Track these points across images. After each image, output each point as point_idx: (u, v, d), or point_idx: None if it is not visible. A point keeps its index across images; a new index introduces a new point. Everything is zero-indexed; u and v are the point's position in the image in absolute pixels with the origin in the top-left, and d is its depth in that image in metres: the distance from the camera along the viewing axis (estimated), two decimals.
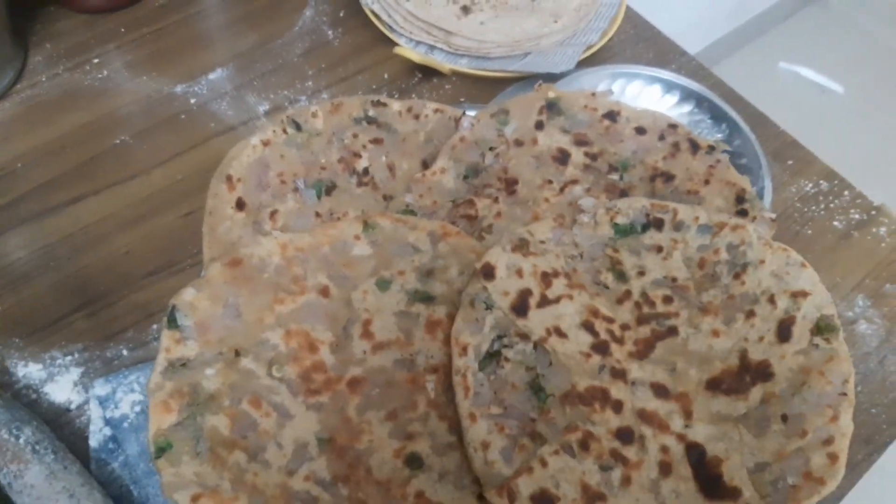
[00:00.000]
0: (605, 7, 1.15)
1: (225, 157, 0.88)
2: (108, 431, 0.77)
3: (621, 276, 0.82)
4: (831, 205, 1.01)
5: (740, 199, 0.89)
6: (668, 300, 0.81)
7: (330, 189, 0.90)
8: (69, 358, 0.82)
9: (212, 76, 1.06)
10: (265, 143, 0.89)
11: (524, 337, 0.76)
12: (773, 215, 0.87)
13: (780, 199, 1.01)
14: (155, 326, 0.85)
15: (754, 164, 0.97)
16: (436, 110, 0.96)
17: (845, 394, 0.72)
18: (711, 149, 0.92)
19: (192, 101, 1.04)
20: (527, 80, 1.07)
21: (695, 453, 0.72)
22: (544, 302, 0.79)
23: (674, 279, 0.82)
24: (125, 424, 0.77)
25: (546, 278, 0.80)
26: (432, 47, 1.10)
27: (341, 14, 1.16)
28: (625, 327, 0.79)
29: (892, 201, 1.05)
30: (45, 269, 0.88)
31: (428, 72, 1.09)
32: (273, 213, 0.87)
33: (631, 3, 1.20)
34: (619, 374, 0.76)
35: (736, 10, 2.74)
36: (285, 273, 0.79)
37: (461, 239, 0.84)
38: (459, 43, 1.08)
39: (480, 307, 0.77)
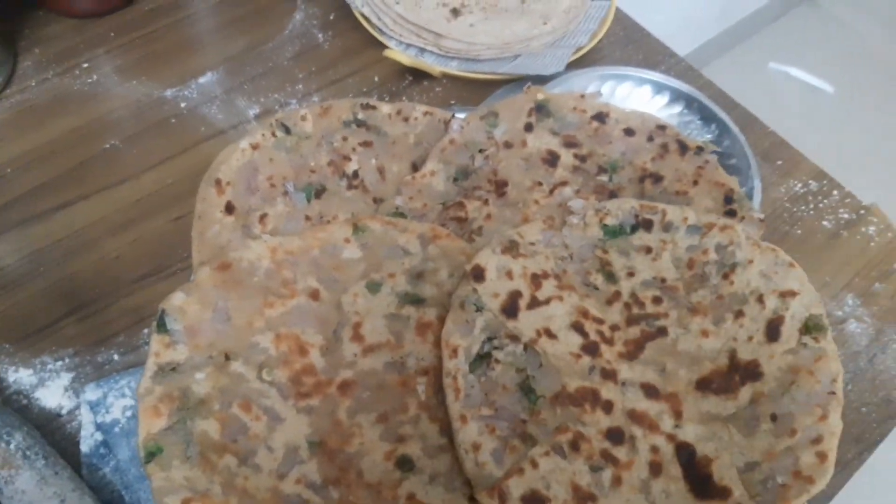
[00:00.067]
0: (594, 9, 1.16)
1: (214, 161, 0.88)
2: (99, 436, 0.77)
3: (611, 278, 0.83)
4: (820, 205, 1.02)
5: (729, 199, 0.89)
6: (657, 301, 0.81)
7: (319, 192, 0.90)
8: (60, 363, 0.82)
9: (202, 80, 1.06)
10: (254, 147, 0.89)
11: (514, 338, 0.76)
12: (762, 215, 0.88)
13: (769, 199, 1.01)
14: (146, 331, 0.85)
15: (743, 164, 0.97)
16: (425, 113, 0.96)
17: (834, 393, 0.73)
18: (700, 150, 0.93)
19: (182, 105, 1.04)
20: (517, 82, 1.07)
21: (685, 453, 0.73)
22: (534, 303, 0.79)
23: (663, 280, 0.82)
24: (116, 429, 0.77)
25: (536, 280, 0.80)
26: (422, 50, 1.11)
27: (331, 17, 1.16)
28: (615, 328, 0.80)
29: (883, 200, 1.06)
30: (35, 275, 0.88)
31: (418, 74, 1.09)
32: (262, 217, 0.87)
33: (620, 4, 1.20)
34: (610, 375, 0.76)
35: (726, 11, 2.75)
36: (275, 277, 0.79)
37: (451, 241, 0.84)
38: (449, 45, 1.08)
39: (470, 309, 0.77)
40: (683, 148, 0.93)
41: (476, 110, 0.97)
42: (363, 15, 1.11)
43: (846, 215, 1.01)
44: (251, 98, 1.05)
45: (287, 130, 0.91)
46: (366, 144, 0.93)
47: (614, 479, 0.71)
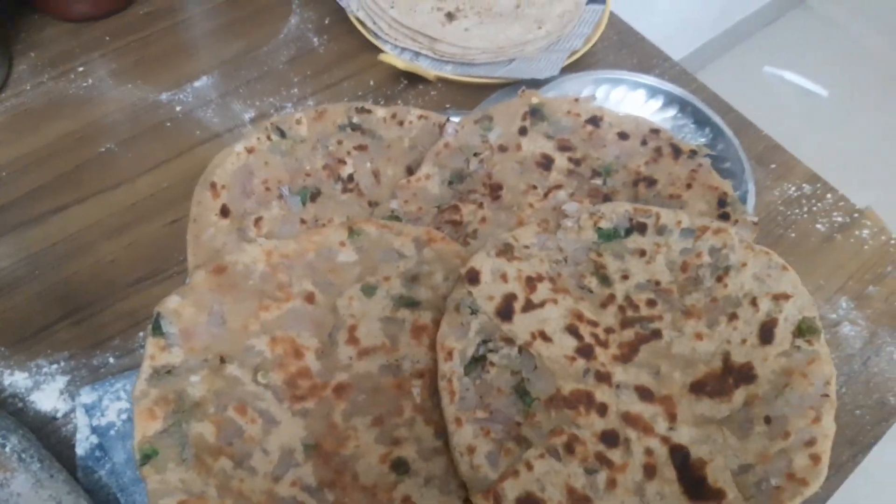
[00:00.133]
0: (588, 13, 1.16)
1: (209, 165, 0.88)
2: (94, 439, 0.77)
3: (605, 280, 0.83)
4: (814, 208, 1.02)
5: (722, 202, 0.89)
6: (651, 304, 0.81)
7: (315, 196, 0.90)
8: (55, 366, 0.82)
9: (197, 84, 1.07)
10: (249, 151, 0.89)
11: (509, 341, 0.76)
12: (755, 218, 0.88)
13: (763, 202, 1.02)
14: (141, 334, 0.85)
15: (737, 168, 0.97)
16: (420, 116, 0.96)
17: (827, 395, 0.73)
18: (693, 153, 0.93)
19: (178, 108, 1.04)
20: (511, 86, 1.07)
21: (679, 455, 0.73)
22: (529, 306, 0.79)
23: (657, 283, 0.82)
24: (112, 432, 0.77)
25: (531, 283, 0.80)
26: (417, 54, 1.11)
27: (326, 21, 1.16)
28: (609, 331, 0.80)
29: (877, 204, 1.06)
30: (31, 278, 0.88)
31: (413, 78, 1.09)
32: (258, 220, 0.87)
33: (614, 9, 1.21)
34: (604, 378, 0.77)
35: (720, 15, 2.76)
36: (270, 280, 0.79)
37: (446, 244, 0.84)
38: (444, 49, 1.09)
39: (465, 312, 0.77)
40: (677, 151, 0.93)
41: (471, 114, 0.97)
42: (358, 19, 1.12)
43: (840, 218, 1.01)
44: (246, 102, 1.05)
45: (282, 134, 0.91)
46: (361, 148, 0.93)
47: (609, 481, 0.71)
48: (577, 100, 0.97)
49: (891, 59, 3.03)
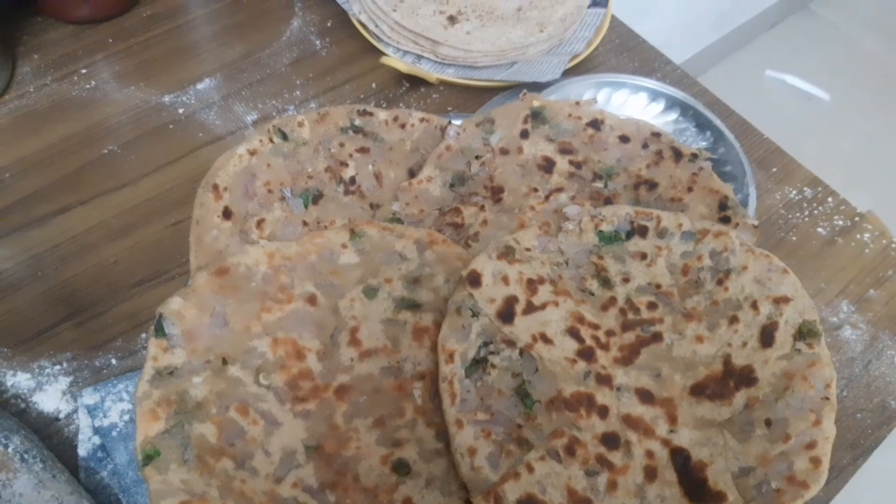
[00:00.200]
0: (590, 17, 1.16)
1: (211, 167, 0.88)
2: (96, 440, 0.77)
3: (606, 283, 0.83)
4: (815, 211, 1.02)
5: (723, 206, 0.89)
6: (652, 306, 0.82)
7: (317, 198, 0.90)
8: (58, 367, 0.82)
9: (200, 86, 1.07)
10: (251, 153, 0.89)
11: (510, 343, 0.77)
12: (756, 222, 0.88)
13: (764, 206, 1.02)
14: (143, 335, 0.85)
15: (739, 171, 0.97)
16: (422, 119, 0.96)
17: (828, 398, 0.73)
18: (694, 157, 0.93)
19: (181, 111, 1.04)
20: (513, 89, 1.08)
21: (680, 458, 0.73)
22: (530, 309, 0.79)
23: (658, 286, 0.83)
24: (114, 433, 0.77)
25: (532, 285, 0.80)
26: (419, 57, 1.11)
27: (329, 24, 1.16)
28: (610, 333, 0.80)
29: (879, 207, 1.06)
30: (33, 279, 0.88)
31: (415, 81, 1.10)
32: (260, 222, 0.87)
33: (616, 12, 1.21)
34: (605, 380, 0.77)
35: (722, 18, 2.76)
36: (272, 282, 0.79)
37: (448, 247, 0.84)
38: (446, 52, 1.09)
39: (467, 314, 0.77)
40: (678, 155, 0.94)
41: (472, 117, 0.97)
42: (361, 22, 1.12)
43: (841, 222, 1.01)
44: (249, 104, 1.05)
45: (284, 136, 0.92)
46: (363, 150, 0.94)
47: (609, 483, 0.71)
48: (578, 103, 0.97)
49: (892, 63, 3.03)
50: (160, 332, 0.73)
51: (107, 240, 0.92)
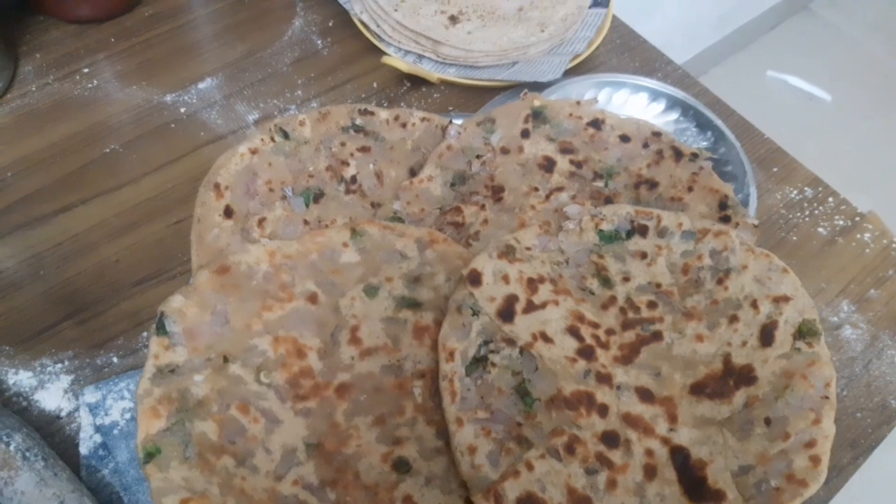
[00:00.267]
0: (591, 17, 1.16)
1: (213, 166, 0.89)
2: (98, 438, 0.77)
3: (606, 282, 0.83)
4: (816, 211, 1.02)
5: (723, 205, 0.90)
6: (652, 305, 0.82)
7: (318, 197, 0.90)
8: (59, 366, 0.82)
9: (201, 85, 1.07)
10: (253, 152, 0.89)
11: (510, 342, 0.77)
12: (756, 221, 0.88)
13: (765, 205, 1.02)
14: (145, 334, 0.85)
15: (739, 171, 0.98)
16: (423, 119, 0.97)
17: (827, 397, 0.73)
18: (695, 156, 0.93)
19: (182, 110, 1.04)
20: (515, 88, 1.08)
21: (679, 456, 0.73)
22: (530, 307, 0.79)
23: (658, 285, 0.83)
24: (115, 431, 0.77)
25: (532, 284, 0.81)
26: (421, 56, 1.11)
27: (330, 24, 1.16)
28: (610, 332, 0.80)
29: (880, 208, 1.06)
30: (35, 278, 0.88)
31: (416, 81, 1.10)
32: (261, 221, 0.87)
33: (617, 12, 1.21)
34: (605, 379, 0.77)
35: (723, 19, 2.76)
36: (273, 280, 0.79)
37: (448, 246, 0.85)
38: (447, 52, 1.09)
39: (467, 313, 0.77)
40: (678, 154, 0.94)
41: (473, 117, 0.97)
42: (362, 22, 1.12)
43: (841, 222, 1.02)
44: (251, 103, 1.06)
45: (285, 135, 0.92)
46: (364, 150, 0.94)
47: (609, 481, 0.71)
48: (578, 103, 0.97)
49: (892, 64, 3.03)
50: (161, 330, 0.74)
51: (108, 238, 0.92)
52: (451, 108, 1.07)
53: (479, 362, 0.75)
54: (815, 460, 0.70)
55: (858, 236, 1.00)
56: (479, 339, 0.76)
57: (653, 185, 0.92)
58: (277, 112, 1.05)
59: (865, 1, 3.24)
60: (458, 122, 0.96)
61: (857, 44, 3.09)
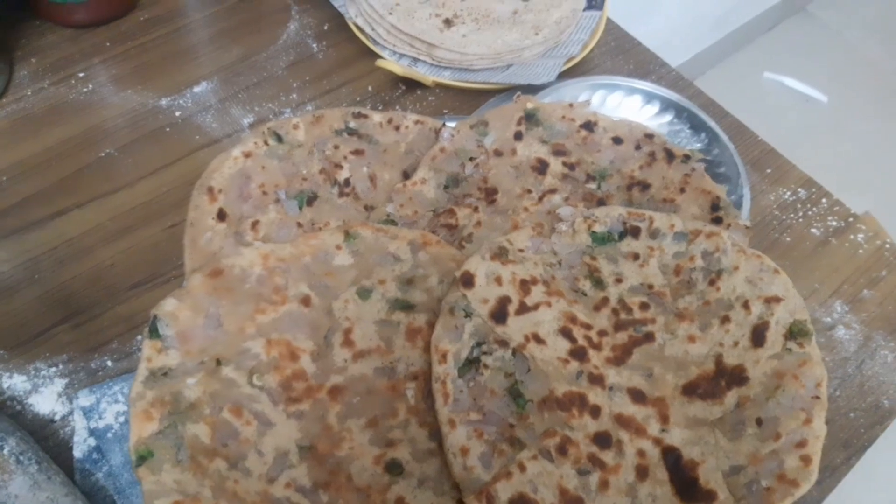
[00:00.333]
0: (585, 19, 1.16)
1: (206, 169, 0.89)
2: (92, 442, 0.77)
3: (599, 284, 0.83)
4: (809, 212, 1.03)
5: (715, 206, 0.90)
6: (644, 307, 0.82)
7: (311, 200, 0.91)
8: (53, 369, 0.83)
9: (197, 89, 1.07)
10: (246, 155, 0.90)
11: (503, 344, 0.77)
12: (748, 222, 0.89)
13: (758, 207, 1.02)
14: (139, 337, 0.85)
15: (733, 172, 0.98)
16: (416, 121, 0.97)
17: (818, 397, 0.73)
18: (687, 158, 0.94)
19: (178, 114, 1.05)
20: (509, 91, 1.08)
21: (671, 457, 0.73)
22: (523, 309, 0.79)
23: (650, 286, 0.83)
24: (109, 435, 0.77)
25: (525, 286, 0.81)
26: (415, 60, 1.12)
27: (325, 27, 1.17)
28: (602, 333, 0.80)
29: (876, 209, 1.07)
30: (30, 282, 0.88)
31: (411, 84, 1.10)
32: (254, 224, 0.87)
33: (613, 15, 1.22)
34: (597, 380, 0.77)
35: (720, 21, 2.76)
36: (266, 283, 0.79)
37: (441, 248, 0.85)
38: (442, 55, 1.09)
39: (460, 315, 0.77)
40: (671, 156, 0.94)
41: (467, 119, 0.98)
42: (357, 25, 1.12)
43: (835, 223, 1.02)
44: (246, 107, 1.06)
45: (279, 139, 0.92)
46: (357, 153, 0.94)
47: (601, 482, 0.72)
48: (571, 105, 0.98)
49: (889, 65, 3.04)
50: (154, 333, 0.74)
51: (103, 242, 0.92)
52: (445, 111, 1.07)
53: (471, 364, 0.76)
54: (806, 460, 0.70)
55: (852, 237, 1.01)
56: (472, 341, 0.77)
57: (645, 186, 0.93)
58: (272, 115, 1.05)
59: (862, 3, 3.25)
60: (451, 124, 0.96)
61: (853, 45, 3.10)
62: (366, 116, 0.96)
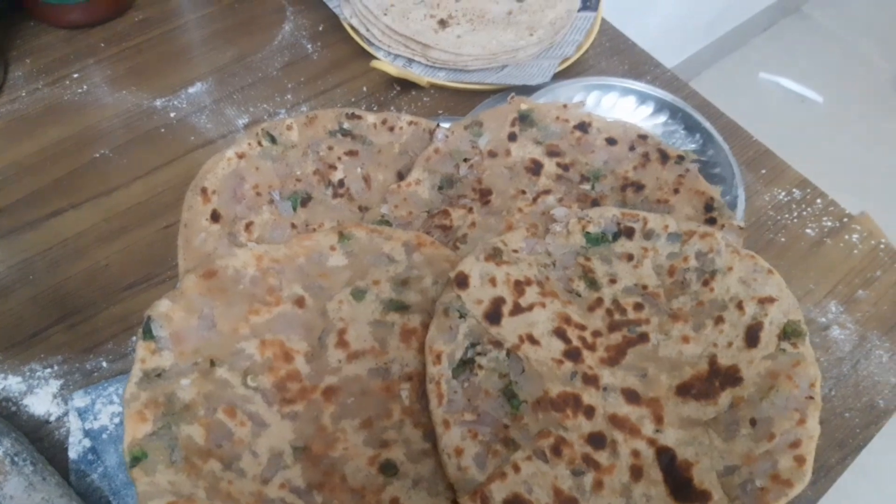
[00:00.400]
0: (580, 20, 1.17)
1: (200, 170, 0.89)
2: (87, 443, 0.77)
3: (593, 284, 0.84)
4: (804, 213, 1.03)
5: (709, 207, 0.90)
6: (638, 307, 0.82)
7: (305, 201, 0.91)
8: (48, 370, 0.83)
9: (191, 90, 1.07)
10: (240, 156, 0.90)
11: (497, 344, 0.77)
12: (742, 223, 0.89)
13: (753, 207, 1.02)
14: (134, 338, 0.85)
15: (728, 173, 0.98)
16: (410, 122, 0.97)
17: (812, 397, 0.73)
18: (681, 158, 0.94)
19: (172, 114, 1.05)
20: (504, 92, 1.08)
21: (665, 457, 0.73)
22: (517, 310, 0.80)
23: (644, 287, 0.83)
24: (104, 436, 0.77)
25: (519, 287, 0.81)
26: (410, 60, 1.12)
27: (320, 28, 1.17)
28: (596, 334, 0.80)
29: (872, 209, 1.07)
30: (25, 283, 0.88)
31: (406, 85, 1.10)
32: (248, 225, 0.87)
33: (609, 16, 1.22)
34: (591, 380, 0.77)
35: (715, 22, 2.76)
36: (260, 284, 0.79)
37: (436, 249, 0.85)
38: (437, 56, 1.09)
39: (454, 315, 0.78)
40: (664, 157, 0.94)
41: (461, 120, 0.98)
42: (352, 26, 1.13)
43: (829, 223, 1.02)
44: (240, 108, 1.06)
45: (273, 140, 0.92)
46: (351, 153, 0.94)
47: (595, 483, 0.72)
48: (565, 106, 0.98)
49: (884, 65, 3.04)
50: (148, 334, 0.74)
51: (98, 243, 0.92)
52: (440, 112, 1.07)
53: (465, 365, 0.76)
54: (800, 460, 0.70)
55: (846, 237, 1.01)
56: (466, 342, 0.77)
57: (639, 187, 0.93)
58: (267, 116, 1.05)
59: (857, 3, 3.25)
60: (445, 125, 0.96)
61: (849, 46, 3.10)
62: (360, 117, 0.96)
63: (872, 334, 0.93)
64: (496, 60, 1.10)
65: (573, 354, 0.78)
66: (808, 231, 1.01)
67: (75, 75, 1.07)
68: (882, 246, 1.00)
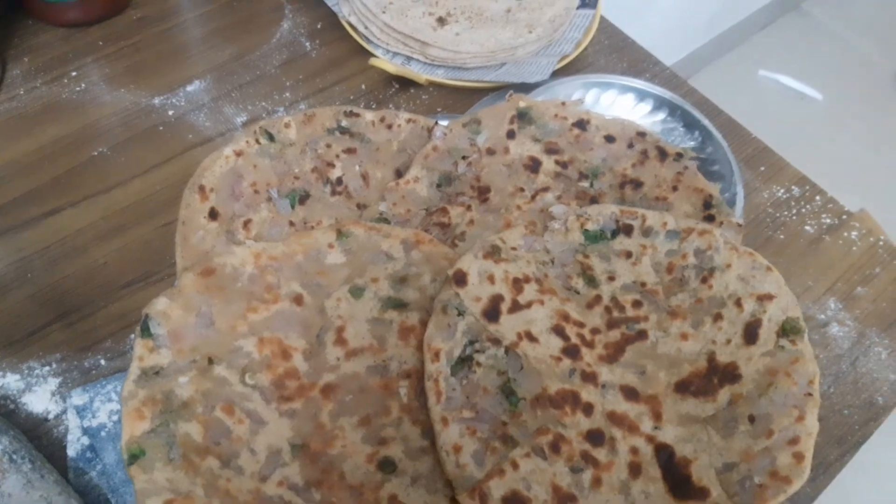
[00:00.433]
0: (579, 18, 1.17)
1: (198, 168, 0.89)
2: (85, 441, 0.77)
3: (592, 282, 0.84)
4: (803, 210, 1.03)
5: (707, 204, 0.90)
6: (637, 304, 0.82)
7: (303, 198, 0.91)
8: (47, 368, 0.82)
9: (190, 88, 1.07)
10: (238, 154, 0.90)
11: (496, 342, 0.77)
12: (741, 220, 0.89)
13: (752, 204, 1.02)
14: (132, 336, 0.85)
15: (726, 170, 0.98)
16: (408, 120, 0.97)
17: (811, 394, 0.73)
18: (679, 156, 0.94)
19: (170, 112, 1.04)
20: (503, 89, 1.08)
21: (664, 454, 0.73)
22: (516, 307, 0.79)
23: (643, 284, 0.83)
24: (103, 433, 0.77)
25: (517, 284, 0.81)
26: (409, 58, 1.12)
27: (318, 26, 1.17)
28: (595, 331, 0.80)
29: (871, 207, 1.07)
30: (23, 281, 0.88)
31: (405, 82, 1.10)
32: (246, 223, 0.87)
33: (608, 14, 1.22)
34: (590, 378, 0.77)
35: (714, 19, 2.77)
36: (258, 282, 0.79)
37: (434, 246, 0.85)
38: (435, 54, 1.09)
39: (452, 313, 0.77)
40: (663, 154, 0.94)
41: (460, 118, 0.98)
42: (350, 24, 1.12)
43: (829, 220, 1.02)
44: (239, 106, 1.06)
45: (271, 137, 0.92)
46: (349, 151, 0.94)
47: (594, 479, 0.72)
48: (564, 103, 0.98)
49: (883, 63, 3.04)
50: (146, 332, 0.74)
51: (97, 241, 0.92)
52: (439, 110, 1.07)
53: (464, 362, 0.76)
54: (799, 457, 0.70)
55: (845, 234, 1.01)
56: (465, 339, 0.77)
57: (637, 184, 0.93)
58: (265, 114, 1.05)
59: (857, 1, 3.25)
60: (443, 123, 0.96)
61: (848, 43, 3.10)
62: (358, 115, 0.96)
63: (871, 331, 0.93)
64: (495, 58, 1.10)
65: (572, 352, 0.78)
66: (807, 228, 1.01)
67: (73, 73, 1.07)
68: (881, 243, 1.00)
